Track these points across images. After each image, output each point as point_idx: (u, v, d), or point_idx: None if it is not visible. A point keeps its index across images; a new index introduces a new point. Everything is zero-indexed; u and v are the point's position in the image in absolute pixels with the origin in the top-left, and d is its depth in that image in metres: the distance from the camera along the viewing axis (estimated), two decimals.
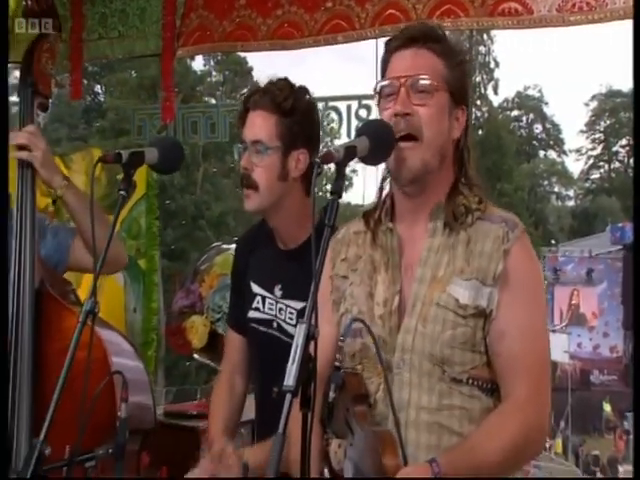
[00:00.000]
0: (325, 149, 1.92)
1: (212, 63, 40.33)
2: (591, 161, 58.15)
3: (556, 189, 58.69)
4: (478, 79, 52.55)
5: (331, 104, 4.63)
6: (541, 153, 60.22)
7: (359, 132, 2.00)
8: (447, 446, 2.02)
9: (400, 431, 1.95)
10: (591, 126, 57.54)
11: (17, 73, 3.09)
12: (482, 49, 54.15)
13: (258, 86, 2.70)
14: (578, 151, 58.62)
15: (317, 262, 1.76)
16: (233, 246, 3.89)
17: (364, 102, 4.47)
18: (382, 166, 2.14)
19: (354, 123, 4.59)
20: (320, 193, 2.72)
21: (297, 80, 2.74)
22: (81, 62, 4.49)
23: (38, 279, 2.78)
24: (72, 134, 35.01)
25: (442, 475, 1.86)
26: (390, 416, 2.00)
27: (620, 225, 26.63)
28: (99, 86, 39.24)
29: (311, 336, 1.71)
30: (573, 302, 24.79)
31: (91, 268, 2.95)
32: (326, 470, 2.06)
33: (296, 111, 2.63)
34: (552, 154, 59.93)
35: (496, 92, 55.82)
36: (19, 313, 2.71)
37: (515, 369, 2.03)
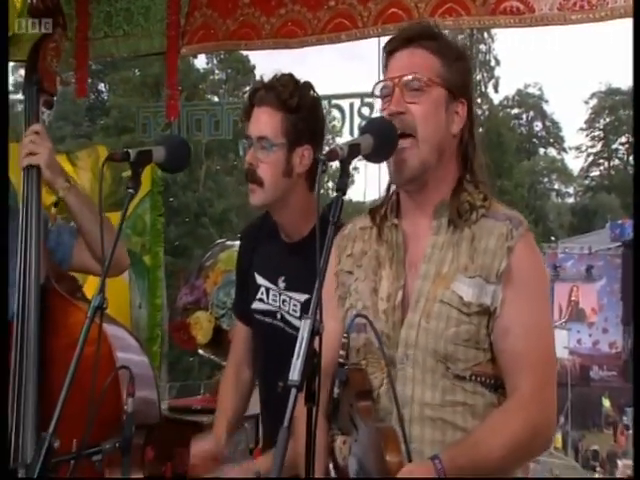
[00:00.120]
0: (330, 147, 1.94)
1: (215, 61, 40.35)
2: (591, 158, 58.20)
3: (556, 186, 58.73)
4: (479, 77, 52.57)
5: (334, 102, 4.65)
6: (541, 150, 60.24)
7: (363, 130, 2.02)
8: (452, 441, 2.03)
9: (404, 426, 1.96)
10: (591, 124, 57.54)
11: (22, 71, 3.11)
12: (483, 47, 54.19)
13: (263, 82, 2.70)
14: (578, 148, 58.77)
15: (321, 259, 1.77)
16: (237, 243, 3.91)
17: (367, 100, 4.49)
18: (384, 164, 2.14)
19: (357, 121, 4.61)
20: (322, 190, 2.75)
21: (300, 78, 2.74)
22: (86, 60, 4.51)
23: (44, 275, 2.80)
24: (76, 132, 35.08)
25: (445, 471, 1.87)
26: (394, 411, 2.01)
27: (619, 222, 26.66)
28: (103, 84, 39.26)
29: (316, 331, 1.72)
30: (573, 298, 24.79)
31: (93, 269, 3.00)
32: (331, 466, 2.07)
33: (301, 108, 2.64)
34: (552, 151, 60.02)
35: (496, 90, 55.96)
36: (25, 309, 2.73)
37: (520, 366, 2.03)
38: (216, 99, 36.21)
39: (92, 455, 2.23)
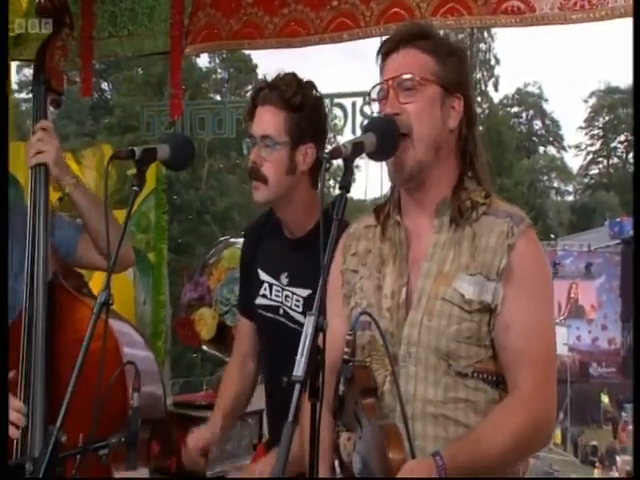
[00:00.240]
0: (332, 145, 1.96)
1: (217, 60, 40.36)
2: (590, 157, 58.22)
3: (555, 184, 58.70)
4: (479, 76, 52.58)
5: (336, 101, 4.65)
6: (541, 149, 60.24)
7: (366, 128, 2.05)
8: (454, 437, 2.04)
9: (407, 424, 1.97)
10: (590, 122, 57.54)
11: (26, 70, 3.14)
12: (483, 46, 54.21)
13: (266, 81, 2.72)
14: (577, 147, 58.81)
15: (325, 256, 1.78)
16: (240, 240, 3.93)
17: (368, 99, 4.50)
18: (384, 163, 2.16)
19: (359, 120, 4.61)
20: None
21: (302, 77, 2.75)
22: (91, 60, 4.52)
23: (51, 272, 2.83)
24: (80, 130, 35.09)
25: (445, 468, 1.88)
26: (397, 409, 2.02)
27: (618, 220, 26.65)
28: (106, 83, 39.27)
29: (320, 328, 1.73)
30: (572, 295, 24.77)
31: (97, 265, 3.02)
32: (336, 462, 2.09)
33: (304, 107, 2.65)
34: (551, 150, 60.02)
35: (496, 89, 56.01)
36: (33, 305, 2.76)
37: (521, 362, 2.03)
38: (218, 98, 36.24)
39: (99, 449, 2.24)
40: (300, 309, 2.69)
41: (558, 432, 23.80)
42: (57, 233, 3.02)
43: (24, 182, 3.94)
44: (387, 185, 2.32)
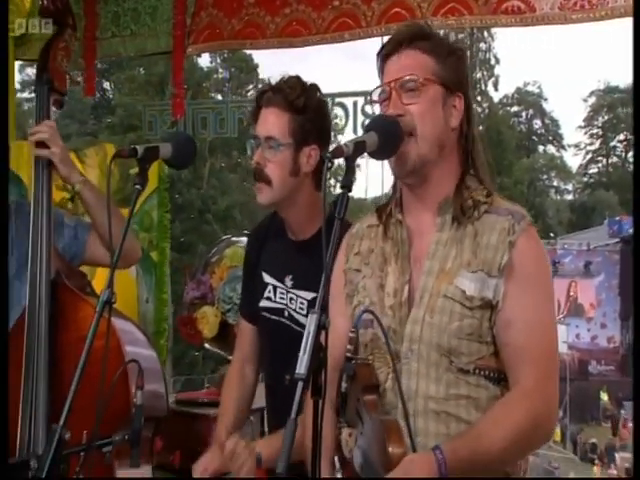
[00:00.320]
0: (336, 144, 1.97)
1: (218, 60, 40.33)
2: (589, 156, 58.25)
3: (555, 183, 58.74)
4: (479, 75, 52.60)
5: (337, 100, 4.66)
6: (540, 148, 60.27)
7: (368, 128, 2.06)
8: (455, 433, 2.05)
9: (409, 420, 1.99)
10: (589, 121, 57.56)
11: (29, 70, 3.15)
12: (483, 46, 54.21)
13: (270, 84, 2.73)
14: (576, 146, 58.85)
15: (328, 254, 1.79)
16: (243, 239, 3.96)
17: (370, 101, 4.50)
18: (386, 161, 2.17)
19: (360, 119, 4.63)
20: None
21: (302, 77, 2.77)
22: (94, 60, 4.55)
23: (54, 270, 2.84)
24: (82, 130, 35.11)
25: (445, 462, 1.88)
26: (399, 405, 2.02)
27: (617, 218, 26.66)
28: (108, 83, 39.27)
29: (322, 326, 1.74)
30: (571, 294, 24.78)
31: (106, 262, 3.02)
32: (336, 458, 2.09)
33: (308, 109, 2.67)
34: (551, 149, 60.07)
35: (496, 88, 56.02)
36: (36, 303, 2.77)
37: (522, 359, 2.04)
38: (220, 97, 36.22)
39: (102, 447, 2.25)
40: (304, 312, 2.69)
41: (557, 430, 23.78)
42: (66, 233, 3.05)
43: (27, 181, 3.95)
44: (388, 184, 2.36)
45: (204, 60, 38.13)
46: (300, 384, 1.68)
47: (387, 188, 2.34)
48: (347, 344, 1.93)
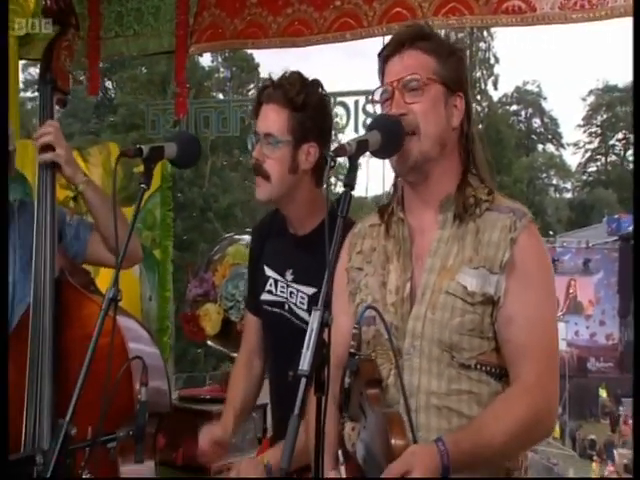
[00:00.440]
0: (336, 143, 1.98)
1: (220, 59, 40.28)
2: (588, 154, 58.12)
3: (554, 182, 58.61)
4: (478, 74, 52.52)
5: (339, 99, 4.66)
6: (539, 147, 60.15)
7: (370, 127, 2.06)
8: (457, 427, 2.06)
9: (411, 415, 2.00)
10: (588, 120, 57.46)
11: (32, 69, 3.17)
12: (482, 45, 54.14)
13: (272, 80, 2.73)
14: (575, 145, 58.69)
15: (330, 252, 1.80)
16: (245, 237, 3.99)
17: (371, 101, 4.50)
18: (386, 160, 2.18)
19: (361, 118, 4.63)
20: (324, 186, 2.76)
21: (307, 76, 2.76)
22: (98, 59, 4.57)
23: (58, 269, 2.85)
24: (84, 129, 35.09)
25: (448, 454, 1.89)
26: (401, 401, 2.03)
27: (616, 217, 26.60)
28: (110, 82, 39.24)
29: (325, 323, 1.75)
30: (570, 291, 24.71)
31: (107, 262, 3.05)
32: (340, 452, 2.11)
33: (307, 106, 2.67)
34: (550, 147, 59.95)
35: (496, 87, 55.92)
36: (40, 301, 2.78)
37: (524, 354, 2.05)
38: (221, 96, 36.23)
39: (107, 442, 2.26)
40: (305, 306, 2.70)
41: (557, 426, 23.75)
42: (71, 233, 3.06)
43: (32, 180, 3.96)
44: (389, 182, 2.35)
45: (205, 59, 38.14)
46: (303, 381, 1.69)
47: (388, 186, 2.35)
48: (350, 342, 1.94)
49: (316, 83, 2.76)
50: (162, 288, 4.70)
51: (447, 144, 2.19)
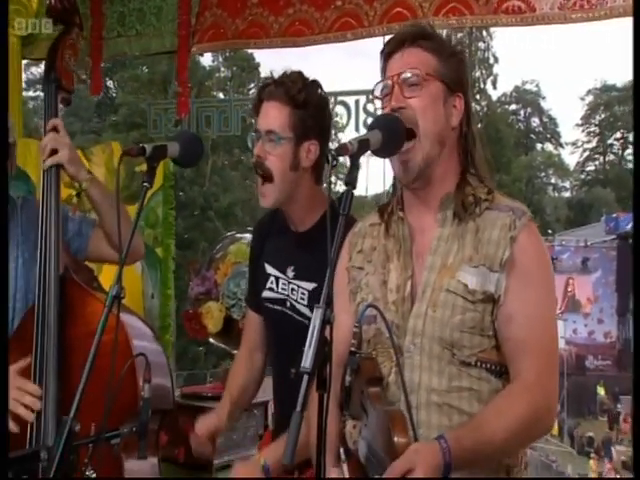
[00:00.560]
0: (337, 143, 2.00)
1: (220, 59, 40.25)
2: (586, 153, 58.03)
3: (553, 181, 58.52)
4: (477, 74, 52.44)
5: (339, 99, 4.68)
6: (538, 146, 60.06)
7: (371, 126, 2.07)
8: (458, 424, 2.07)
9: (411, 413, 2.00)
10: (586, 120, 57.39)
11: (34, 69, 3.18)
12: (481, 45, 54.09)
13: (273, 77, 2.75)
14: (574, 144, 58.59)
15: (332, 250, 1.81)
16: (247, 235, 4.01)
17: (372, 96, 4.52)
18: (387, 160, 2.19)
19: (362, 117, 4.64)
20: (325, 184, 2.78)
21: (307, 76, 2.77)
22: (101, 59, 4.59)
23: (62, 266, 2.86)
24: (85, 128, 35.09)
25: (450, 451, 1.90)
26: (402, 398, 2.04)
27: (614, 215, 26.50)
28: (111, 82, 39.22)
29: (327, 320, 1.76)
30: (569, 290, 24.62)
31: (108, 259, 3.06)
32: (341, 450, 2.11)
33: (309, 104, 2.69)
34: (549, 147, 59.86)
35: (495, 87, 55.87)
36: (45, 298, 2.79)
37: (524, 352, 2.06)
38: (221, 96, 36.21)
39: (111, 439, 2.27)
40: (305, 302, 2.71)
41: (555, 424, 23.68)
42: (72, 229, 3.08)
43: (35, 177, 3.99)
44: (389, 181, 2.36)
45: (206, 59, 38.09)
46: (305, 378, 1.70)
47: (388, 185, 2.36)
48: (351, 340, 1.95)
49: (316, 83, 2.77)
50: (164, 286, 4.72)
51: (446, 144, 2.21)
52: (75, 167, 2.92)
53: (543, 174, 57.01)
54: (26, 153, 3.97)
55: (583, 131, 57.78)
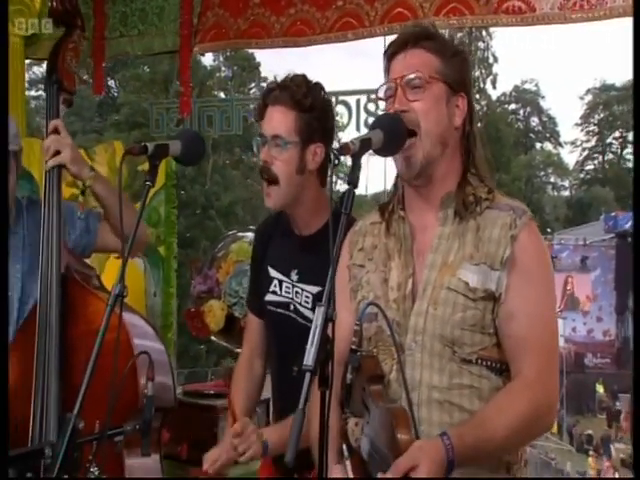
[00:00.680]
0: (339, 142, 2.01)
1: (221, 58, 40.24)
2: (586, 153, 57.95)
3: (552, 180, 58.45)
4: (477, 74, 52.33)
5: (340, 98, 4.69)
6: (538, 145, 59.98)
7: (373, 125, 2.08)
8: (460, 421, 2.08)
9: (413, 410, 2.01)
10: (586, 119, 57.32)
11: (35, 69, 3.19)
12: (481, 45, 53.99)
13: (277, 82, 2.75)
14: (573, 143, 58.49)
15: (334, 248, 1.83)
16: (248, 234, 4.02)
17: (373, 96, 4.54)
18: (387, 159, 2.21)
19: (363, 117, 4.65)
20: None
21: (307, 77, 2.78)
22: (103, 59, 4.61)
23: (64, 265, 2.88)
24: (87, 127, 35.09)
25: (453, 448, 1.91)
26: (403, 395, 2.06)
27: (613, 214, 26.40)
28: (113, 81, 39.22)
29: (329, 318, 1.77)
30: (568, 288, 24.55)
31: (116, 248, 3.08)
32: (344, 447, 2.12)
33: (314, 107, 2.69)
34: (548, 146, 59.78)
35: (494, 86, 55.76)
36: (47, 297, 2.81)
37: (525, 350, 2.07)
38: (222, 95, 36.22)
39: (114, 436, 2.29)
40: (309, 305, 2.72)
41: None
42: (78, 225, 3.10)
43: (39, 177, 4.00)
44: (389, 180, 2.37)
45: (207, 59, 38.05)
46: (308, 375, 1.72)
47: (388, 184, 2.38)
48: (352, 338, 1.96)
49: (319, 86, 2.78)
50: (166, 284, 4.73)
51: (449, 144, 2.22)
52: (78, 166, 2.93)
53: (542, 173, 56.99)
54: (29, 152, 3.98)
55: (582, 130, 57.77)
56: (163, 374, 2.83)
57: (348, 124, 4.68)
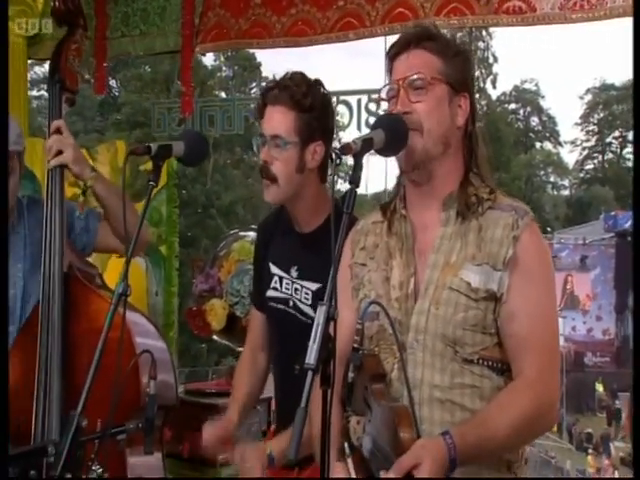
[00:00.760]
0: (339, 141, 2.01)
1: (222, 58, 40.23)
2: (585, 152, 57.89)
3: (552, 179, 58.39)
4: (477, 73, 52.22)
5: (341, 98, 4.68)
6: (537, 144, 59.88)
7: (375, 125, 2.09)
8: (461, 420, 2.09)
9: (414, 408, 2.01)
10: (585, 118, 57.27)
11: (37, 69, 3.20)
12: (481, 44, 53.98)
13: (276, 81, 2.74)
14: (573, 142, 58.43)
15: (336, 247, 1.83)
16: (250, 233, 4.03)
17: (374, 96, 4.54)
18: (387, 158, 2.20)
19: (364, 117, 4.65)
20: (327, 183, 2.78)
21: (309, 76, 2.77)
22: (105, 59, 4.61)
23: (66, 264, 2.89)
24: (89, 127, 35.11)
25: (455, 447, 1.91)
26: (405, 394, 2.06)
27: (613, 213, 26.37)
28: (114, 81, 39.21)
29: (331, 317, 1.78)
30: (568, 287, 24.51)
31: (115, 248, 3.09)
32: (346, 445, 2.11)
33: (314, 107, 2.68)
34: (548, 145, 59.70)
35: (494, 86, 55.75)
36: (50, 296, 2.82)
37: (526, 349, 2.07)
38: (223, 95, 36.21)
39: (117, 434, 2.29)
40: (309, 302, 2.73)
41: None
42: (77, 224, 3.11)
43: (41, 177, 4.00)
44: (390, 180, 2.37)
45: (208, 58, 38.02)
46: (310, 374, 1.72)
47: (389, 183, 2.38)
48: (353, 336, 1.96)
49: (319, 82, 2.77)
50: (168, 283, 4.74)
51: (451, 143, 2.23)
52: (80, 166, 2.95)
53: (542, 172, 56.96)
54: (31, 152, 3.97)
55: (582, 130, 57.74)
56: (165, 372, 2.84)
57: (349, 124, 4.68)
